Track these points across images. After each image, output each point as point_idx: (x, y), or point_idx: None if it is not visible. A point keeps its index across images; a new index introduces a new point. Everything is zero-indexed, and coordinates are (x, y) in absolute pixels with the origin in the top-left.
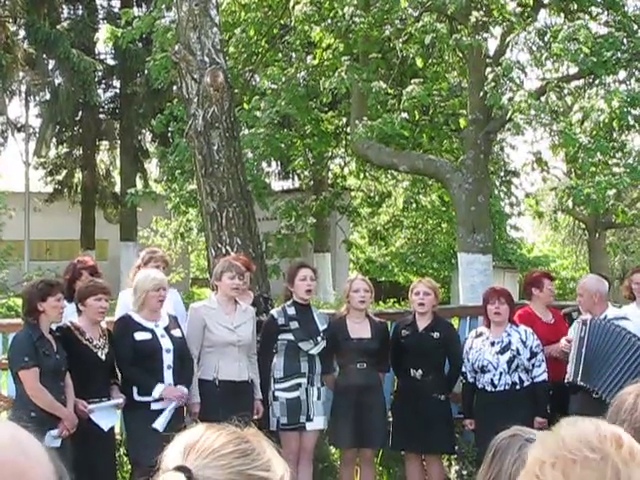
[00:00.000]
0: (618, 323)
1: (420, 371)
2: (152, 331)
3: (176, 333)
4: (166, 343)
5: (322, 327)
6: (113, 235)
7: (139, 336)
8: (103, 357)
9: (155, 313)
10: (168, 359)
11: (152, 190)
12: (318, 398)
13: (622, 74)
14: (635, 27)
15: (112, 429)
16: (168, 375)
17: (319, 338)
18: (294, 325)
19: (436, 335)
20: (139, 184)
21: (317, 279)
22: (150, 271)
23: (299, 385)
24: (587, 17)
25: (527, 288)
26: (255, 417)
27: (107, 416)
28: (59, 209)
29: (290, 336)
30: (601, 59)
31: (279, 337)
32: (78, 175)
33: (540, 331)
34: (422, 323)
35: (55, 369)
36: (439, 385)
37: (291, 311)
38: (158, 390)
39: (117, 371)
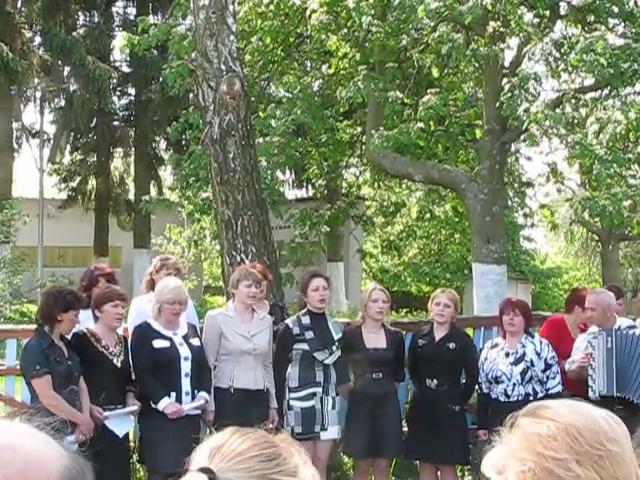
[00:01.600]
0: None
1: (435, 381)
2: (170, 339)
3: (195, 342)
4: (184, 351)
5: (337, 336)
6: (126, 242)
7: (158, 344)
8: (119, 364)
9: (171, 323)
10: (186, 367)
11: (166, 197)
12: (333, 407)
13: (639, 86)
14: None
15: (126, 435)
16: (186, 383)
17: (334, 347)
18: (309, 335)
19: (452, 346)
20: (153, 191)
21: (330, 288)
22: (170, 282)
23: (314, 394)
24: (604, 28)
25: (571, 302)
26: (270, 426)
27: (122, 422)
28: (73, 216)
29: (305, 346)
30: (618, 70)
31: (294, 347)
32: (92, 182)
33: (565, 345)
34: (439, 333)
35: (67, 375)
36: (454, 395)
37: (306, 320)
38: (163, 403)
39: (133, 378)
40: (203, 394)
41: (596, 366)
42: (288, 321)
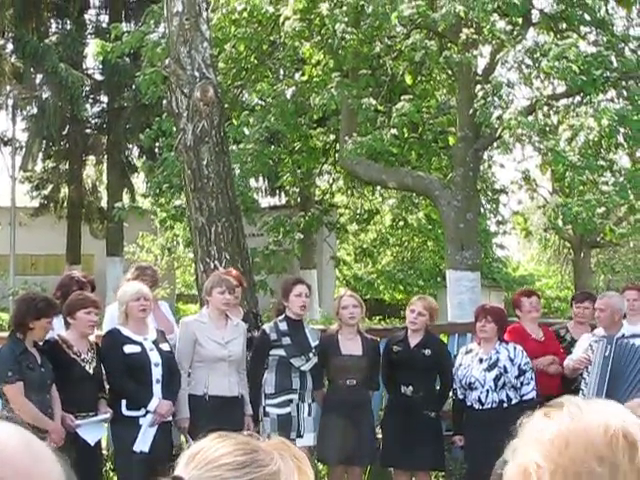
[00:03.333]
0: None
1: (411, 387)
2: (141, 344)
3: (164, 347)
4: (155, 357)
5: (314, 343)
6: (99, 250)
7: (128, 349)
8: (91, 371)
9: (141, 324)
10: (157, 373)
11: (139, 205)
12: (309, 414)
13: (611, 93)
14: (623, 46)
15: (98, 443)
16: (157, 389)
17: (311, 354)
18: (286, 341)
19: (427, 352)
20: (126, 199)
21: (310, 295)
22: (129, 283)
23: (290, 401)
24: (576, 36)
25: (513, 308)
26: (245, 433)
27: (94, 430)
28: (45, 224)
29: (282, 352)
30: (590, 77)
31: (271, 353)
32: (64, 190)
33: (530, 348)
34: (414, 340)
35: (40, 382)
36: (429, 402)
37: (283, 327)
38: (154, 404)
39: (105, 385)
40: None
41: (590, 371)
42: (265, 327)
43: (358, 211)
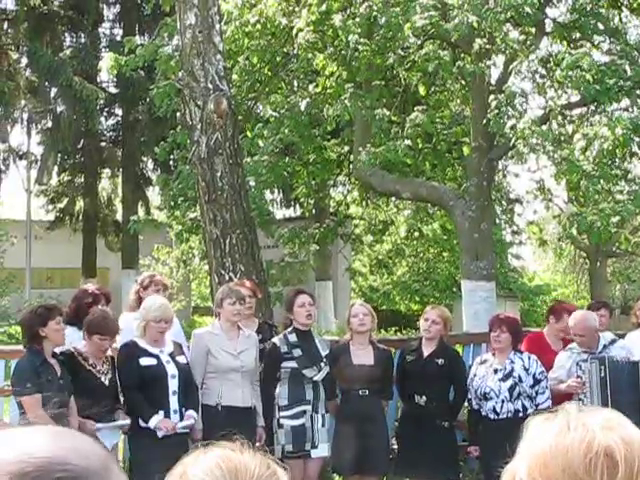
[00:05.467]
0: (626, 356)
1: (424, 397)
2: (157, 357)
3: (181, 359)
4: (171, 369)
5: (324, 353)
6: (114, 263)
7: (144, 362)
8: (107, 382)
9: (160, 339)
10: (173, 385)
11: (154, 218)
12: (323, 425)
13: (625, 102)
14: (638, 55)
15: (114, 448)
16: (173, 401)
17: (322, 364)
18: (297, 352)
19: (441, 362)
20: (141, 212)
21: (318, 306)
22: (156, 299)
23: (304, 412)
24: (589, 45)
25: (547, 315)
26: (257, 444)
27: (111, 436)
28: (60, 237)
29: (293, 364)
30: (604, 87)
31: (282, 365)
32: (80, 203)
33: (548, 360)
34: (427, 349)
35: (59, 394)
36: (443, 412)
37: (292, 338)
38: (154, 421)
39: (121, 397)
40: (192, 413)
41: (589, 395)
42: (275, 340)
43: (373, 222)
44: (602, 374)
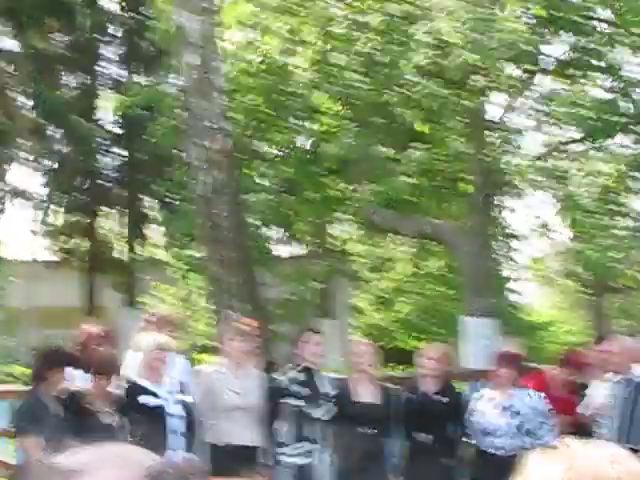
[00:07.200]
0: None
1: (428, 435)
2: (157, 395)
3: (183, 398)
4: (172, 408)
5: (331, 392)
6: (115, 302)
7: (144, 400)
8: (112, 423)
9: (157, 375)
10: (174, 424)
11: (156, 257)
12: (326, 463)
13: (622, 137)
14: (635, 92)
15: None
16: (173, 440)
17: (329, 403)
18: (304, 391)
19: (444, 400)
20: (142, 250)
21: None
22: (151, 334)
23: (308, 451)
24: (588, 82)
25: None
26: None
27: None
28: (63, 276)
29: (299, 402)
30: (602, 123)
31: (288, 402)
32: (82, 243)
33: (549, 397)
34: (431, 387)
35: (56, 433)
36: (447, 449)
37: (300, 377)
38: (168, 457)
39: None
40: (191, 456)
41: (612, 414)
42: (281, 377)
43: (374, 259)
44: (626, 395)
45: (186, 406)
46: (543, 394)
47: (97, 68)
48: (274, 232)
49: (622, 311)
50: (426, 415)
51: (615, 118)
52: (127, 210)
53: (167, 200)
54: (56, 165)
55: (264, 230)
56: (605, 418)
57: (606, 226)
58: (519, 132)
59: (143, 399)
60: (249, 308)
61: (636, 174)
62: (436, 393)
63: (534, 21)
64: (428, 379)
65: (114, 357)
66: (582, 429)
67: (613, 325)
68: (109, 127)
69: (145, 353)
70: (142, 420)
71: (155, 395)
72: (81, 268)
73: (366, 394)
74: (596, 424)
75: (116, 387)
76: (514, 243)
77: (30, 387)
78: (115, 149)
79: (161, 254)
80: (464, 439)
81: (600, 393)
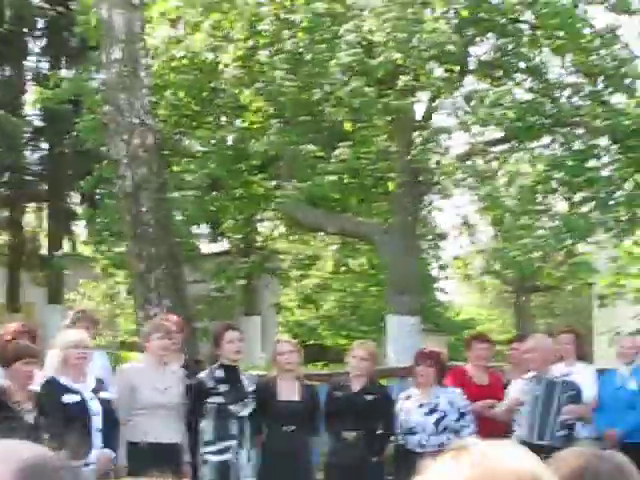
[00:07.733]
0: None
1: (353, 433)
2: (80, 393)
3: (104, 396)
4: (94, 406)
5: (251, 388)
6: (40, 298)
7: (67, 399)
8: (31, 420)
9: (79, 373)
10: (97, 422)
11: (80, 252)
12: (248, 460)
13: (546, 139)
14: (558, 93)
15: None
16: (97, 438)
17: (248, 400)
18: (223, 388)
19: (370, 397)
20: (66, 246)
21: (245, 341)
22: (69, 331)
23: (229, 448)
24: (511, 83)
25: (465, 350)
26: None
27: None
28: None
29: (220, 399)
30: (525, 124)
31: (208, 400)
32: (3, 237)
33: (472, 392)
34: (356, 385)
35: None
36: (372, 447)
37: (219, 373)
38: (95, 455)
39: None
40: (109, 452)
41: (522, 413)
42: (201, 375)
43: (300, 256)
44: (537, 392)
45: (104, 403)
46: (459, 389)
47: (24, 62)
48: (200, 229)
49: (545, 309)
50: (351, 413)
51: (536, 118)
52: (49, 205)
53: (91, 196)
54: None
55: (190, 227)
56: (517, 414)
57: (527, 225)
58: (445, 131)
59: (67, 398)
60: (172, 305)
61: (558, 175)
62: (361, 391)
63: (458, 22)
64: (353, 377)
65: (26, 343)
66: (500, 427)
67: (537, 323)
68: (34, 121)
69: (62, 350)
70: (63, 418)
71: (76, 393)
72: (4, 263)
73: (289, 392)
74: (514, 422)
75: (37, 384)
76: (442, 242)
77: None
78: (38, 143)
79: (87, 250)
80: (392, 438)
81: (517, 389)
